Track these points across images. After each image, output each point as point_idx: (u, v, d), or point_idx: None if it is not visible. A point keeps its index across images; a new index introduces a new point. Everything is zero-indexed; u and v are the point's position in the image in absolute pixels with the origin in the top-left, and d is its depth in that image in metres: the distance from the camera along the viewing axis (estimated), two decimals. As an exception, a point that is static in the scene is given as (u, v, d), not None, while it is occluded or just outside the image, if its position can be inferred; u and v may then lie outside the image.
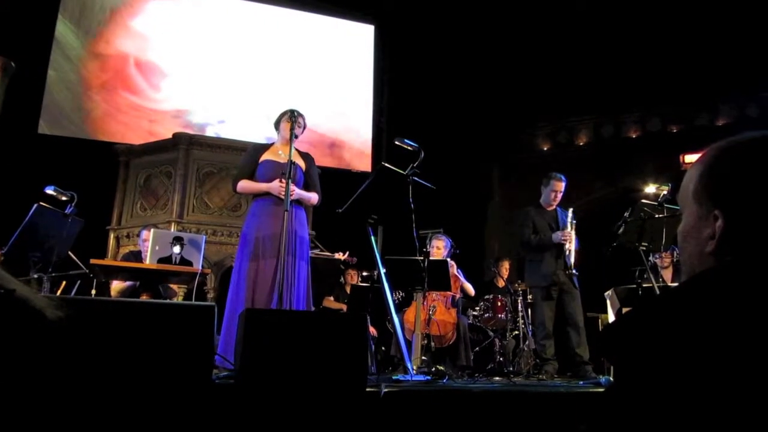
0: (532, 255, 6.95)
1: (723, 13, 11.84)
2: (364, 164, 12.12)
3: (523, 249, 7.13)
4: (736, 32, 11.71)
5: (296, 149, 5.33)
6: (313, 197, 5.44)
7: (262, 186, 5.24)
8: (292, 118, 5.33)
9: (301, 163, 5.43)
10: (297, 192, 5.18)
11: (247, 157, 5.52)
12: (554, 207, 6.93)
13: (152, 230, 6.42)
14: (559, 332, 6.77)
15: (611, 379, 5.71)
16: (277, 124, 5.57)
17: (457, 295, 7.45)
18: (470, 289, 7.76)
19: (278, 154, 5.38)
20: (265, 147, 5.54)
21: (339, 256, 7.44)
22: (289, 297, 5.01)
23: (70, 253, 6.15)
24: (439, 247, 7.33)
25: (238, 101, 11.25)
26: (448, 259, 7.23)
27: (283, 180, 5.01)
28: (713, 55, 12.01)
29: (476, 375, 6.54)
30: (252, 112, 11.07)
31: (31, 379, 1.02)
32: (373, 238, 5.59)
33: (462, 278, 7.57)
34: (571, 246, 6.66)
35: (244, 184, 5.36)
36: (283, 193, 4.96)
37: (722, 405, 0.89)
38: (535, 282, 6.91)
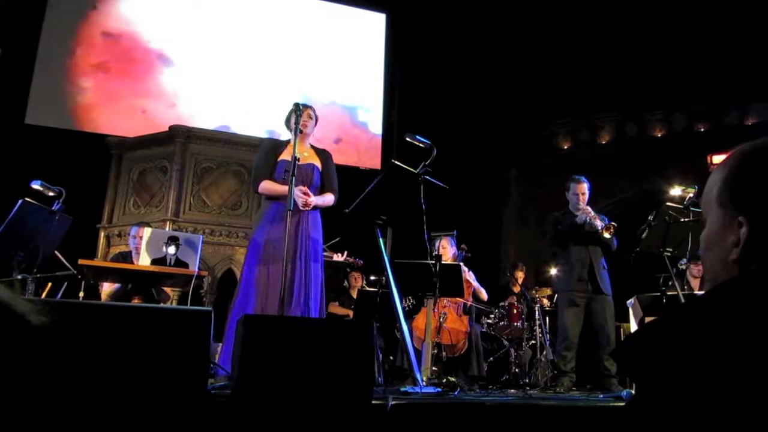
0: (561, 259, 6.94)
1: (752, 7, 11.80)
2: (373, 161, 12.09)
3: (552, 242, 7.10)
4: (766, 26, 11.67)
5: (312, 147, 5.35)
6: (329, 200, 5.43)
7: (285, 189, 5.17)
8: (297, 112, 5.26)
9: (317, 162, 5.42)
10: (314, 202, 5.21)
11: (263, 156, 5.48)
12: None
13: (146, 229, 6.37)
14: (583, 342, 6.74)
15: (633, 392, 5.69)
16: (287, 122, 5.55)
17: (469, 302, 7.43)
18: (483, 292, 7.73)
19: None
20: (280, 145, 5.52)
21: (338, 257, 7.39)
22: (305, 299, 5.03)
23: (56, 252, 6.13)
24: (444, 246, 7.32)
25: (240, 92, 11.22)
26: (461, 264, 7.23)
27: (303, 187, 5.09)
28: (743, 50, 11.98)
29: (490, 387, 6.55)
30: (255, 104, 11.03)
31: (14, 389, 1.02)
32: (381, 240, 5.59)
33: (474, 282, 7.54)
34: (597, 221, 6.62)
35: (266, 185, 5.33)
36: (302, 200, 5.05)
37: (749, 423, 0.89)
38: (561, 286, 6.91)
